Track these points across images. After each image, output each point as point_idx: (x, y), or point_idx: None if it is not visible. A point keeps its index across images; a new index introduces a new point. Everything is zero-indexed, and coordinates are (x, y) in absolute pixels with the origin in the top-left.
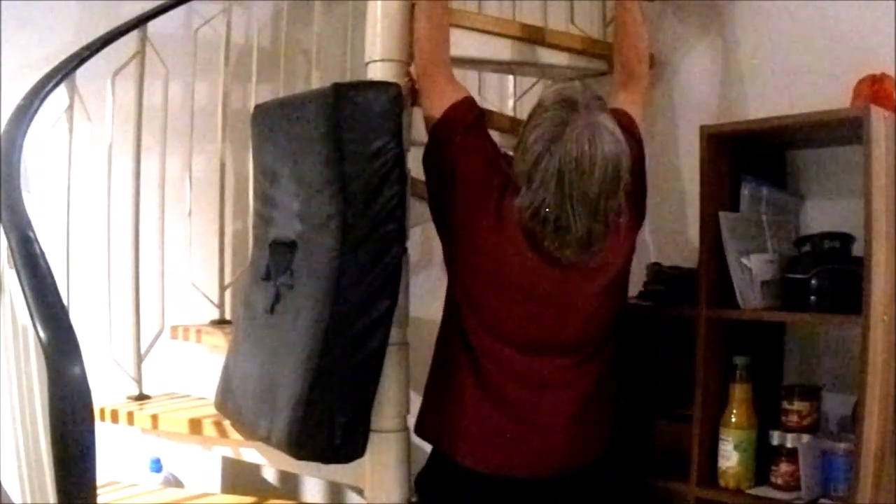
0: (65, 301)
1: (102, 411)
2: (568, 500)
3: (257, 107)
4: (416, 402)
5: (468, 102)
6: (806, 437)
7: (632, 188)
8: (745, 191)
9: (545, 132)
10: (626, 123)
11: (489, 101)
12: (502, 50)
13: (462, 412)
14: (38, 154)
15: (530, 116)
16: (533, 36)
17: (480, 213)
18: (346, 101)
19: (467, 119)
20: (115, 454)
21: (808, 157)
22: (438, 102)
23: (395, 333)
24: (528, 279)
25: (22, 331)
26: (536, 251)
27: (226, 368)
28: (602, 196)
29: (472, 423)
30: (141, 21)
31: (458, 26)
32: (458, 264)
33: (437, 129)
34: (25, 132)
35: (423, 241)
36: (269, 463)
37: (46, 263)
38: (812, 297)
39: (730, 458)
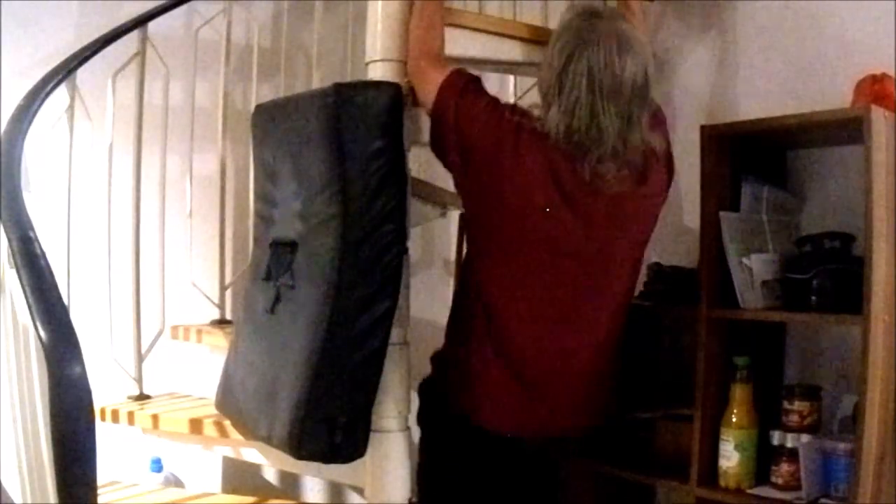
0: (65, 301)
1: (103, 411)
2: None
3: (258, 107)
4: (416, 402)
5: (455, 74)
6: (806, 437)
7: (663, 142)
8: (746, 191)
9: (571, 38)
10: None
11: None
12: (503, 50)
13: (476, 374)
14: (38, 154)
15: (554, 32)
16: (533, 36)
17: (499, 167)
18: (346, 101)
19: (458, 87)
20: (115, 454)
21: (808, 156)
22: (430, 89)
23: (395, 333)
24: (554, 232)
25: (22, 330)
26: (564, 199)
27: (226, 368)
28: (634, 100)
29: (486, 387)
30: (141, 21)
31: (458, 26)
32: (482, 233)
33: (435, 112)
34: (26, 132)
35: (424, 241)
36: (269, 463)
37: (47, 263)
38: (812, 297)
39: (730, 458)
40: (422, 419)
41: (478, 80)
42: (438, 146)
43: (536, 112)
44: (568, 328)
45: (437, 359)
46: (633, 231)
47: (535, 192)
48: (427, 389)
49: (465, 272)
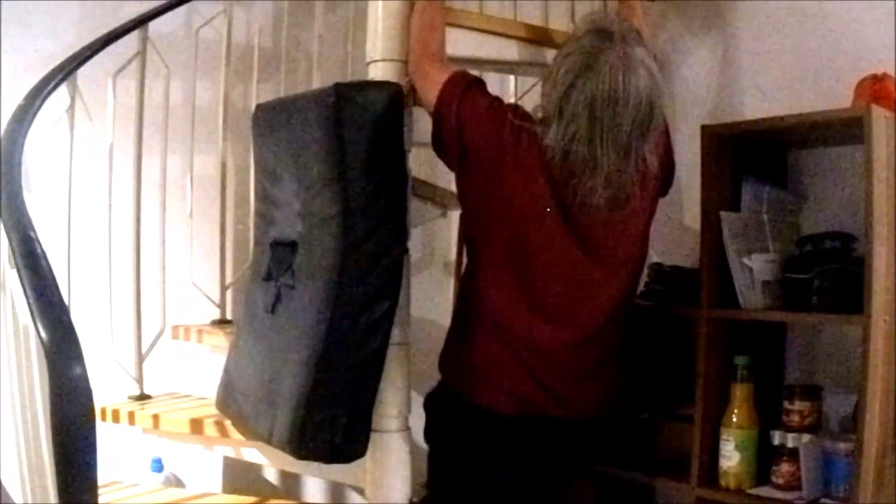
0: (66, 301)
1: (104, 411)
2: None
3: (258, 107)
4: (416, 401)
5: (458, 75)
6: (807, 437)
7: (662, 152)
8: (747, 191)
9: (577, 61)
10: None
11: None
12: (503, 50)
13: (478, 361)
14: (39, 154)
15: (563, 47)
16: (533, 36)
17: (499, 167)
18: (347, 101)
19: (460, 87)
20: (116, 454)
21: (809, 156)
22: (432, 89)
23: (395, 333)
24: (552, 232)
25: (23, 330)
26: (560, 202)
27: (227, 368)
28: (634, 132)
29: (487, 368)
30: (142, 21)
31: (458, 26)
32: (480, 233)
33: (436, 112)
34: (26, 132)
35: (424, 241)
36: (270, 463)
37: (48, 263)
38: (813, 297)
39: (731, 457)
40: (429, 435)
41: (480, 80)
42: (440, 146)
43: (540, 114)
44: (567, 324)
45: (442, 357)
46: (622, 245)
47: (534, 193)
48: (432, 400)
49: (466, 272)
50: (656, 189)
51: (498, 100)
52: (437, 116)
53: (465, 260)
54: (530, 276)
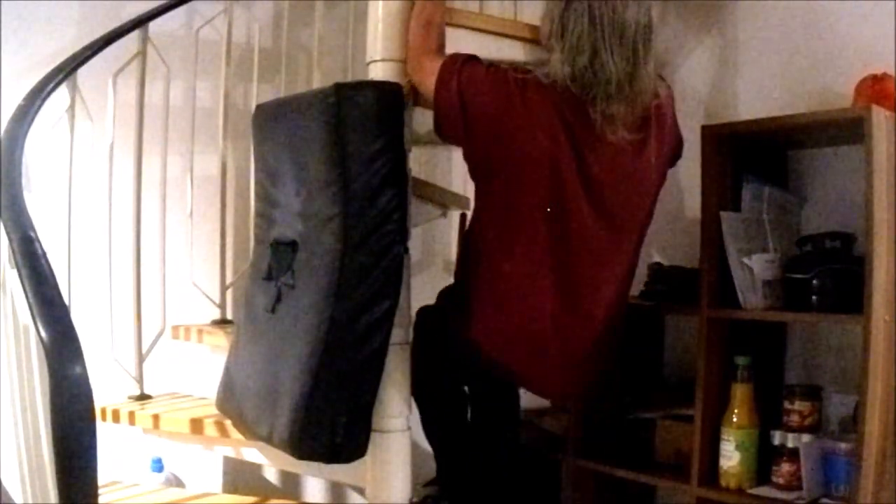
0: (66, 301)
1: (104, 411)
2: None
3: (259, 107)
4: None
5: (452, 57)
6: (807, 437)
7: (671, 106)
8: (747, 190)
9: None
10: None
11: None
12: (503, 50)
13: (476, 318)
14: (39, 154)
15: None
16: (533, 36)
17: (508, 125)
18: (347, 101)
19: (456, 63)
20: (116, 454)
21: (809, 156)
22: (430, 79)
23: (396, 333)
24: (560, 190)
25: (23, 330)
26: (573, 151)
27: (227, 368)
28: (637, 38)
29: (484, 323)
30: (142, 21)
31: (458, 26)
32: (489, 200)
33: (438, 92)
34: (27, 132)
35: (424, 241)
36: (270, 463)
37: (48, 263)
38: (813, 297)
39: (731, 457)
40: (418, 333)
41: (475, 56)
42: (444, 122)
43: (540, 70)
44: (566, 296)
45: (443, 293)
46: (634, 198)
47: (546, 142)
48: (427, 312)
49: (469, 242)
50: (672, 144)
51: (495, 64)
52: (438, 97)
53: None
54: (538, 238)
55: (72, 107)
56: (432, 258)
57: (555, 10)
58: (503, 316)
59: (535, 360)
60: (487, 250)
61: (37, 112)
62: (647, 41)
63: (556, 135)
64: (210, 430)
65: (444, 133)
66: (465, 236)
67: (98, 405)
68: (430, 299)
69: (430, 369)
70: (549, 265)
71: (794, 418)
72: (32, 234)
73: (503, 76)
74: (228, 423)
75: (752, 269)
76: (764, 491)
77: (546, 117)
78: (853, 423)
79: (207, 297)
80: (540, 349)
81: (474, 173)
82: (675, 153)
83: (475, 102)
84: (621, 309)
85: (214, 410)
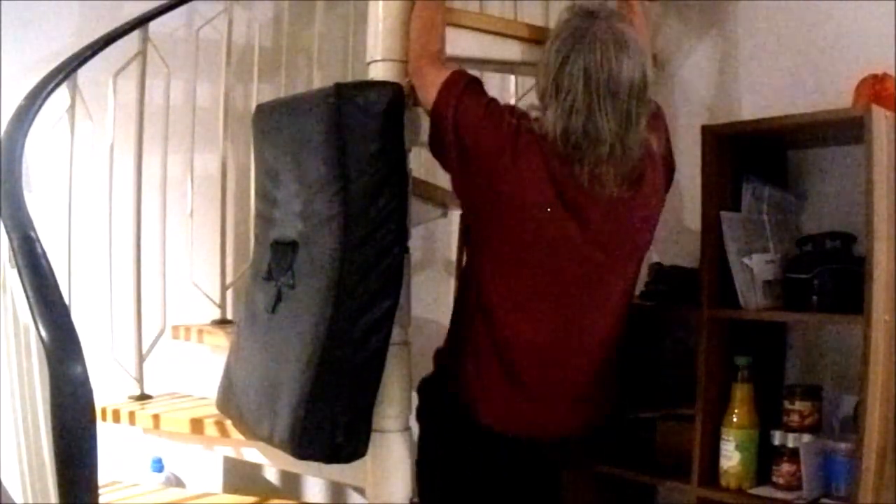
0: (66, 300)
1: (104, 411)
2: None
3: (259, 107)
4: (416, 400)
5: (456, 74)
6: (807, 437)
7: (664, 136)
8: (747, 190)
9: (568, 39)
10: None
11: None
12: (504, 50)
13: (473, 373)
14: (39, 154)
15: (551, 33)
16: (533, 36)
17: (497, 169)
18: (347, 101)
19: (458, 87)
20: (116, 454)
21: (809, 156)
22: (430, 89)
23: (396, 333)
24: (552, 234)
25: (23, 330)
26: (562, 202)
27: (227, 368)
28: (632, 100)
29: (482, 384)
30: (142, 21)
31: (458, 26)
32: (480, 236)
33: (434, 112)
34: (27, 132)
35: (424, 241)
36: (270, 463)
37: (48, 263)
38: (814, 297)
39: (731, 457)
40: (421, 416)
41: (478, 80)
42: (437, 146)
43: (535, 114)
44: (565, 332)
45: (438, 355)
46: (631, 236)
47: (533, 195)
48: (427, 387)
49: (465, 273)
50: (665, 175)
51: (494, 101)
52: (436, 116)
53: (465, 262)
54: (531, 277)
55: (72, 107)
56: (432, 258)
57: (550, 67)
58: (494, 368)
59: (531, 403)
60: (485, 291)
61: (37, 112)
62: (640, 100)
63: (544, 188)
64: (210, 430)
65: (436, 155)
66: (463, 272)
67: (98, 405)
68: (431, 299)
69: (445, 457)
70: (544, 308)
71: (795, 418)
72: (33, 234)
73: (498, 119)
74: (228, 423)
75: (752, 269)
76: (764, 491)
77: (535, 169)
78: (853, 423)
79: (207, 297)
80: (536, 392)
81: (464, 206)
82: (669, 179)
83: (469, 136)
84: (619, 341)
85: (214, 410)
